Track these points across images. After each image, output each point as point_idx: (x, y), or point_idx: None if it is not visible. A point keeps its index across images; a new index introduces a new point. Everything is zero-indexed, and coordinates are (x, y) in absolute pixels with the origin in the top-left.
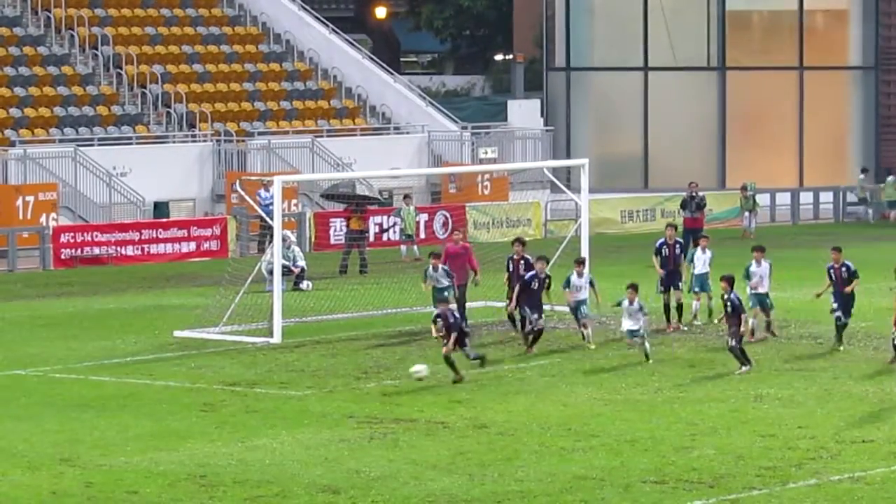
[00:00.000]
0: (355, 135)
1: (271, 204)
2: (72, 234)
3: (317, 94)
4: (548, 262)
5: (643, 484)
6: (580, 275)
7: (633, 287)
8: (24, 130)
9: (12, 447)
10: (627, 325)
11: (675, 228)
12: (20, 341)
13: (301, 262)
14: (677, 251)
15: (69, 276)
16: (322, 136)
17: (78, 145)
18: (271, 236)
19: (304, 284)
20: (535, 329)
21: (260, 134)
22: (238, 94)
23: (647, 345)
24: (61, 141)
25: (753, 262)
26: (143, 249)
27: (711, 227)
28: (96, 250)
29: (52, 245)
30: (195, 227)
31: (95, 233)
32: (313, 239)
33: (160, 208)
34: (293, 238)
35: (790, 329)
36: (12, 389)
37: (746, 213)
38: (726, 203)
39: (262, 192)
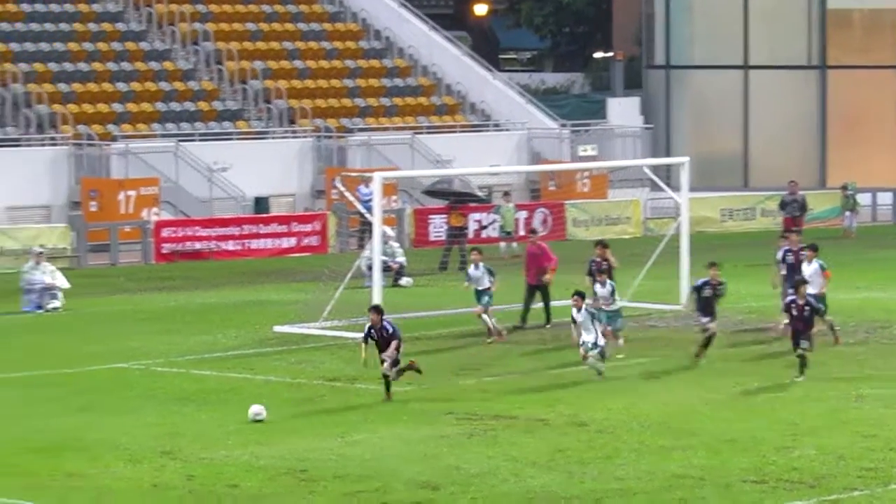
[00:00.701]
0: (455, 131)
1: (371, 200)
2: (173, 228)
3: (416, 91)
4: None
5: (743, 483)
6: (603, 284)
7: (579, 294)
8: (126, 125)
9: (115, 440)
10: (584, 336)
11: (799, 234)
12: (122, 335)
13: (400, 259)
14: (802, 257)
15: (170, 271)
16: (421, 133)
17: (179, 140)
18: (370, 232)
19: (404, 280)
20: (707, 335)
21: (360, 130)
22: (338, 90)
23: (600, 361)
24: (163, 136)
25: (804, 261)
26: (243, 244)
27: (811, 226)
28: (197, 245)
29: (154, 239)
30: (295, 223)
31: (196, 227)
32: (413, 235)
33: (260, 204)
34: (392, 234)
35: (892, 329)
36: (115, 382)
37: (847, 213)
38: (827, 202)
39: (362, 188)
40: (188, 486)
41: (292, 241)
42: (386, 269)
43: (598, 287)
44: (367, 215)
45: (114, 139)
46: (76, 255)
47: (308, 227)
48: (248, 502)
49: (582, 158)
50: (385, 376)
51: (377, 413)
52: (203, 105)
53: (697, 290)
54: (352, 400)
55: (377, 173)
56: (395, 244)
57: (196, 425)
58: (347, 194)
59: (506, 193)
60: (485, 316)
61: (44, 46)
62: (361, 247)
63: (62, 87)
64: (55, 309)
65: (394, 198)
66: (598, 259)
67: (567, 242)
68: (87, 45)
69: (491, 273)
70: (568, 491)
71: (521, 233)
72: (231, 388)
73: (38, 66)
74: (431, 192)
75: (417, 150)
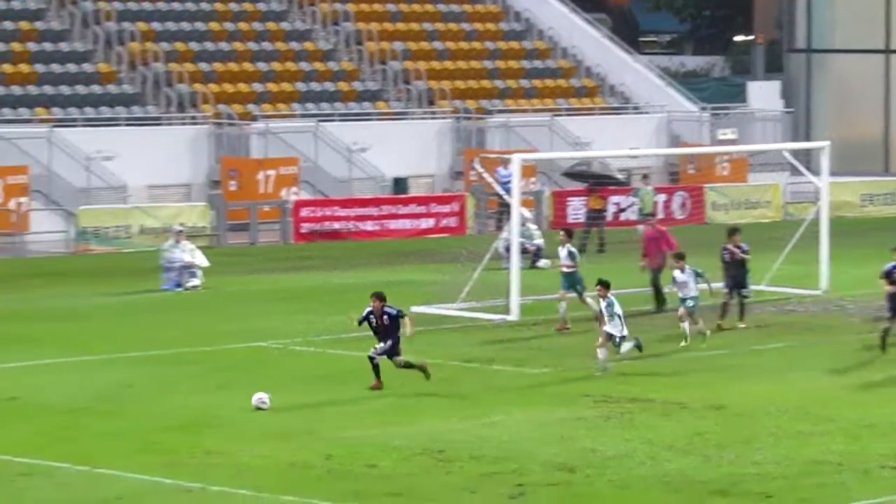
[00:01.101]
0: (594, 114)
1: (510, 181)
2: (312, 208)
3: (556, 73)
4: None
5: (882, 469)
6: (682, 270)
7: (603, 284)
8: (265, 105)
9: (252, 419)
10: (608, 328)
11: None
12: (260, 314)
13: (538, 241)
14: None
15: (308, 250)
16: (560, 115)
17: (319, 121)
18: (509, 214)
19: (542, 262)
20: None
21: (499, 112)
22: (477, 71)
23: (624, 346)
24: (302, 116)
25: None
26: (381, 225)
27: None
28: (336, 225)
29: (293, 219)
30: (434, 204)
31: (335, 207)
32: (551, 217)
33: (399, 184)
34: (530, 216)
35: None
36: (253, 361)
37: None
38: None
39: (501, 170)
40: (326, 465)
41: (430, 222)
42: (523, 251)
43: (676, 273)
44: (506, 197)
45: (254, 119)
46: (215, 234)
47: (446, 208)
48: (386, 482)
49: (721, 142)
50: (371, 358)
51: (514, 395)
52: (343, 85)
53: (888, 274)
54: (489, 381)
55: (516, 155)
56: (533, 226)
57: (333, 405)
58: (486, 176)
59: (644, 176)
60: (562, 304)
61: (185, 26)
62: (499, 228)
63: (203, 66)
64: (194, 287)
65: (532, 180)
66: (731, 247)
67: (706, 226)
68: (228, 25)
69: (573, 257)
70: (704, 475)
71: (661, 216)
72: (368, 367)
73: (179, 46)
74: (571, 175)
75: (556, 133)
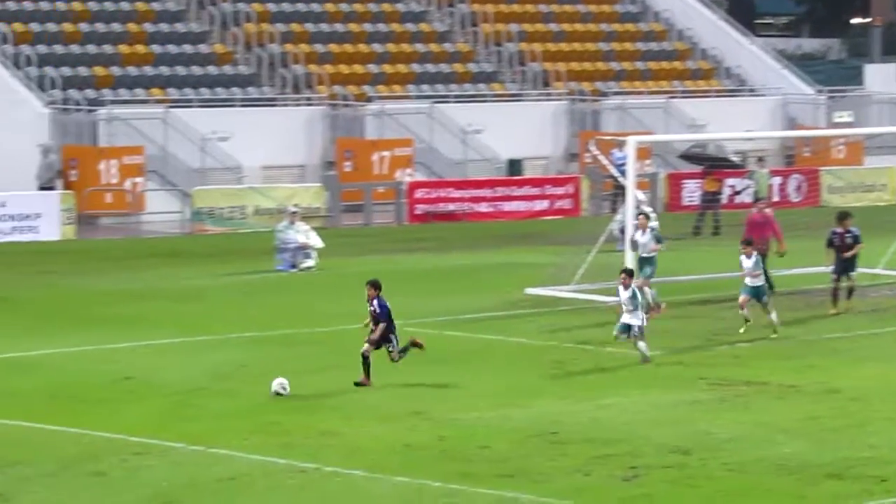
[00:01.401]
0: (709, 96)
1: (624, 164)
2: (426, 189)
3: (671, 55)
4: None
5: None
6: (749, 256)
7: (627, 272)
8: (380, 87)
9: (367, 399)
10: (625, 318)
11: None
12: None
13: (653, 223)
14: None
15: (423, 232)
16: (676, 97)
17: (433, 102)
18: (623, 196)
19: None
20: None
21: (614, 94)
22: (593, 53)
23: (640, 344)
24: (417, 98)
25: None
26: (495, 207)
27: None
28: (450, 206)
29: (407, 200)
30: (548, 186)
31: (449, 189)
32: (666, 199)
33: (513, 166)
34: (644, 198)
35: None
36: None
37: None
38: None
39: (616, 152)
40: (440, 446)
41: (545, 204)
42: None
43: (743, 258)
44: (621, 179)
45: (369, 100)
46: (330, 215)
47: (561, 190)
48: (498, 464)
49: (837, 125)
50: (364, 357)
51: (629, 377)
52: (458, 67)
53: None
54: (603, 363)
55: (631, 137)
56: (648, 208)
57: (448, 386)
58: (601, 158)
59: (760, 159)
60: (647, 289)
61: (301, 7)
62: (614, 210)
63: (318, 47)
64: (308, 268)
65: (647, 162)
66: (841, 231)
67: (821, 209)
68: (343, 6)
69: (659, 240)
70: (819, 458)
71: (776, 199)
72: (482, 349)
73: (294, 27)
74: (687, 157)
75: (671, 115)
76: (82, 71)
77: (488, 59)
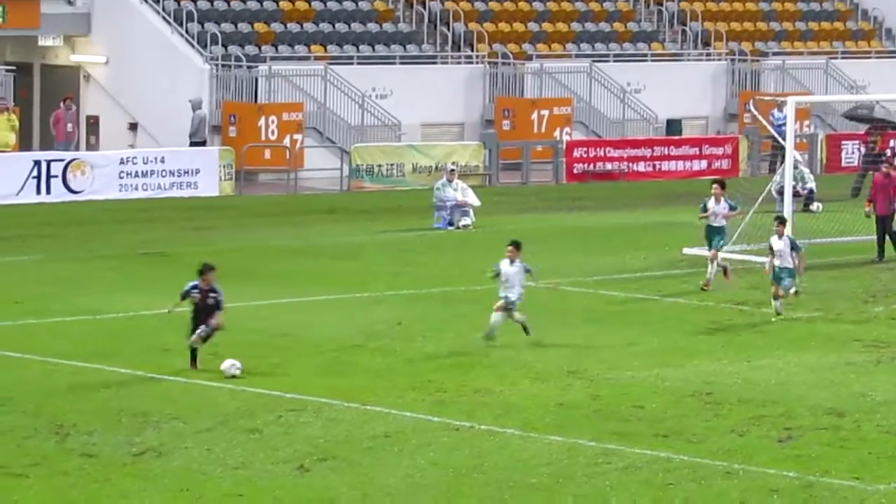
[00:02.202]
0: (870, 57)
1: (784, 125)
2: (585, 149)
3: (832, 16)
4: None
5: None
6: (780, 236)
7: (515, 244)
8: (540, 45)
9: (522, 358)
10: (503, 291)
11: None
12: (531, 254)
13: (810, 184)
14: None
15: (580, 191)
16: (836, 58)
17: (593, 61)
18: (782, 157)
19: (815, 206)
20: None
21: (774, 54)
22: (753, 13)
23: (519, 316)
24: (577, 56)
25: None
26: (654, 166)
27: None
28: (608, 166)
29: (565, 159)
30: (707, 146)
31: (608, 148)
32: (824, 161)
33: (672, 126)
34: (802, 159)
35: None
36: (524, 300)
37: None
38: None
39: (776, 113)
40: (593, 405)
41: (703, 164)
42: (794, 194)
43: (773, 239)
44: (780, 140)
45: (528, 58)
46: (488, 174)
47: (719, 151)
48: (653, 423)
49: None
50: (193, 349)
51: (784, 338)
52: (618, 26)
53: None
54: (758, 324)
55: (791, 98)
56: (806, 169)
57: (602, 346)
58: (760, 118)
59: None
60: (711, 265)
61: None
62: (773, 171)
63: (479, 5)
64: (466, 226)
65: (806, 123)
66: None
67: None
68: None
69: (733, 208)
70: None
71: None
72: (638, 309)
73: None
74: (851, 117)
75: (832, 76)
76: (243, 27)
77: (649, 19)
